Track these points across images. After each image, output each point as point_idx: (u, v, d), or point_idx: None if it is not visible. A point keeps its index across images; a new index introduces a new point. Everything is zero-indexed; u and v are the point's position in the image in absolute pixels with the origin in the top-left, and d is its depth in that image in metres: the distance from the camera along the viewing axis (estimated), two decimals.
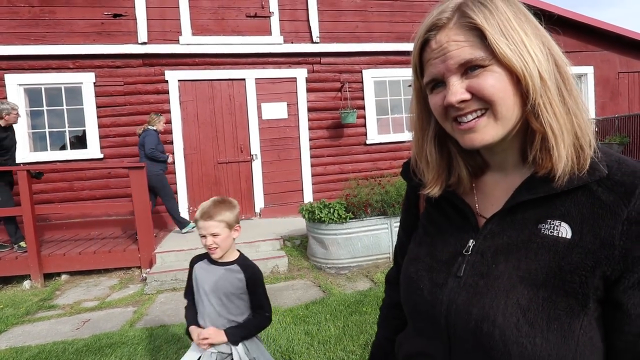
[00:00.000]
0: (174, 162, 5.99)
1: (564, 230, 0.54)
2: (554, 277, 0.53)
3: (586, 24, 7.42)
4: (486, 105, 0.55)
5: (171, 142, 5.99)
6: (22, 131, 5.54)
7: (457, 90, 0.55)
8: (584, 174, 0.54)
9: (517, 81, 0.54)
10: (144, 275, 4.40)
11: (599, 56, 7.72)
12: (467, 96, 0.55)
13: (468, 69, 0.55)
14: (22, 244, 4.56)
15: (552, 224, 0.55)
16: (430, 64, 0.58)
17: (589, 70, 7.66)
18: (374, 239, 4.21)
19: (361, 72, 6.65)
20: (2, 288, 4.39)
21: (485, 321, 0.55)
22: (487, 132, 0.56)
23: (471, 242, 0.62)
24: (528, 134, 0.57)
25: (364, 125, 6.71)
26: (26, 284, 4.38)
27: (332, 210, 4.18)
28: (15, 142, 4.65)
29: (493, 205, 0.63)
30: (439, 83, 0.58)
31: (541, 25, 0.58)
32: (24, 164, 5.31)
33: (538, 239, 0.56)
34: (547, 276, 0.53)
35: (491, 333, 0.54)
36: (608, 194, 0.53)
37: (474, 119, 0.56)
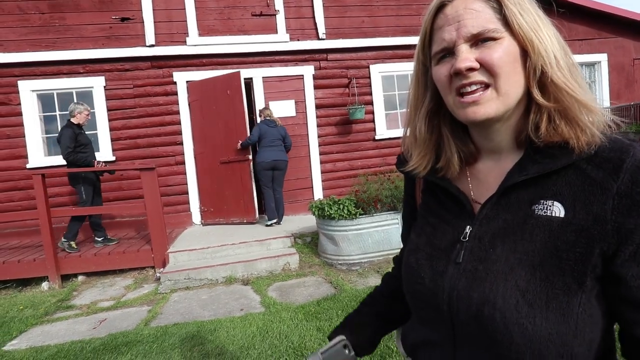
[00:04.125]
0: (184, 163, 6.06)
1: (557, 210, 0.55)
2: (551, 256, 0.54)
3: (599, 10, 7.24)
4: (491, 79, 0.56)
5: (181, 143, 6.05)
6: (36, 136, 5.66)
7: (467, 57, 0.55)
8: (576, 151, 0.55)
9: (525, 58, 0.55)
10: (158, 274, 4.46)
11: (613, 43, 7.51)
12: (476, 65, 0.55)
13: (480, 40, 0.55)
14: (73, 244, 4.78)
15: (545, 204, 0.56)
16: (443, 30, 0.58)
17: (602, 57, 7.47)
18: (384, 235, 4.20)
19: (368, 67, 6.61)
20: (21, 290, 4.50)
21: (485, 305, 0.55)
22: (490, 105, 0.56)
23: (468, 229, 0.62)
24: (532, 114, 0.58)
25: (373, 121, 6.68)
26: (44, 285, 4.48)
27: (341, 206, 4.17)
28: (90, 141, 4.90)
29: (487, 191, 0.63)
30: (447, 54, 0.58)
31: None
32: (39, 168, 5.43)
33: (532, 219, 0.56)
34: (544, 256, 0.54)
35: (492, 316, 0.54)
36: (597, 170, 0.54)
37: (477, 89, 0.56)
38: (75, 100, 5.40)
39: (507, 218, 0.59)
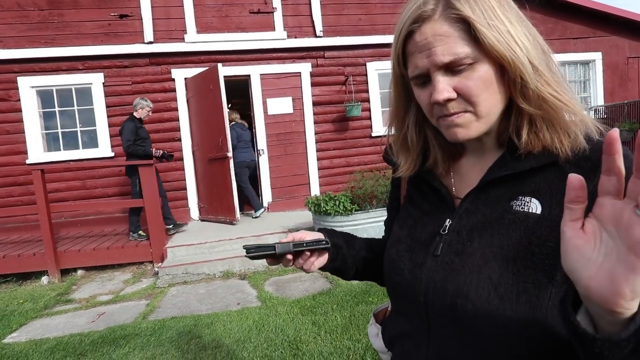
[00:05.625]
0: (182, 159, 6.10)
1: (534, 206, 0.56)
2: (524, 251, 0.54)
3: (594, 9, 7.27)
4: (469, 106, 0.56)
5: (179, 139, 6.09)
6: (35, 132, 5.70)
7: (444, 88, 0.55)
8: (560, 156, 0.55)
9: (503, 73, 0.54)
10: (156, 269, 4.52)
11: (608, 41, 7.56)
12: (454, 95, 0.55)
13: (454, 67, 0.54)
14: (142, 232, 5.00)
15: (523, 200, 0.57)
16: (415, 57, 0.57)
17: (597, 56, 7.52)
18: (379, 230, 4.23)
19: (365, 65, 6.65)
20: (21, 284, 4.55)
21: (459, 296, 0.57)
22: (471, 127, 0.57)
23: (448, 222, 0.63)
24: (513, 118, 0.58)
25: (369, 118, 6.73)
26: (44, 279, 4.53)
27: (337, 202, 4.23)
28: (148, 135, 5.05)
29: (469, 187, 0.64)
30: (424, 79, 0.58)
31: (524, 10, 0.57)
32: (39, 163, 5.47)
33: (510, 215, 0.57)
34: (517, 251, 0.55)
35: (464, 307, 0.56)
36: (575, 169, 0.54)
37: (458, 112, 0.57)
38: (75, 96, 5.46)
39: (485, 212, 0.60)
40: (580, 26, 7.39)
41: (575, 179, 0.38)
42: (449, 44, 0.53)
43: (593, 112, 7.38)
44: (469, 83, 0.54)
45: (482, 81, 0.54)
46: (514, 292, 0.53)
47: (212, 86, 5.43)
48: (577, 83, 7.66)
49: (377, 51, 6.65)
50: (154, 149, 5.03)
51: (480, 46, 0.52)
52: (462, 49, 0.53)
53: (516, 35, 0.53)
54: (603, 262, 0.36)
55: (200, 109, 5.79)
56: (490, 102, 0.56)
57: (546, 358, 0.54)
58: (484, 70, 0.54)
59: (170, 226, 5.24)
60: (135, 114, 4.97)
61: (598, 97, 7.57)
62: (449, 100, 0.55)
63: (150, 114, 5.14)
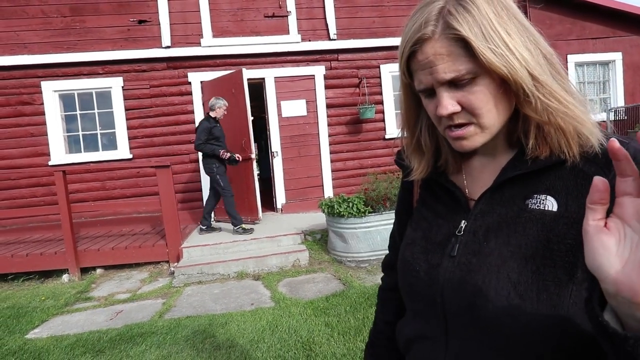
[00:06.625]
0: (197, 160, 6.20)
1: (550, 204, 0.56)
2: (542, 249, 0.55)
3: (613, 8, 7.11)
4: (472, 119, 0.58)
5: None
6: (58, 135, 5.88)
7: (448, 102, 0.57)
8: (568, 160, 0.56)
9: (507, 85, 0.55)
10: (172, 269, 4.60)
11: (628, 41, 7.37)
12: (458, 108, 0.57)
13: (456, 82, 0.56)
14: (245, 226, 5.07)
15: (539, 198, 0.57)
16: (419, 74, 0.59)
17: (617, 56, 7.34)
18: None
19: (379, 67, 6.65)
20: (43, 281, 4.69)
21: (478, 296, 0.57)
22: (476, 139, 0.59)
23: (463, 223, 0.64)
24: (520, 123, 0.59)
25: (383, 120, 6.72)
26: (65, 277, 4.66)
27: (351, 204, 4.23)
28: (223, 135, 5.15)
29: (482, 188, 0.65)
30: (430, 92, 0.60)
31: (526, 15, 0.59)
32: (61, 165, 5.64)
33: (526, 213, 0.58)
34: (536, 249, 0.55)
35: (484, 307, 0.56)
36: (590, 165, 0.55)
37: (462, 124, 0.59)
38: (96, 99, 5.60)
39: (501, 212, 0.60)
40: (599, 26, 7.23)
41: (600, 182, 0.38)
42: (450, 62, 0.55)
43: (613, 113, 7.21)
44: (471, 97, 0.56)
45: (484, 95, 0.56)
46: (534, 291, 0.53)
47: (235, 90, 5.55)
48: (596, 84, 7.49)
49: (391, 53, 6.64)
50: (222, 151, 5.03)
51: (481, 63, 0.54)
52: (462, 65, 0.54)
53: (514, 48, 0.53)
54: (630, 255, 0.37)
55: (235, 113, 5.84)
56: (494, 113, 0.57)
57: (567, 356, 0.54)
58: (486, 84, 0.55)
59: (204, 227, 5.27)
60: (211, 113, 5.04)
61: (618, 98, 7.38)
62: (454, 113, 0.58)
63: (225, 112, 5.19)
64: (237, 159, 5.20)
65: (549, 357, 0.54)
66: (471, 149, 0.60)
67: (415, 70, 0.59)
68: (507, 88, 0.56)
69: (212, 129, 4.96)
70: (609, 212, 0.40)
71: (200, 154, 5.44)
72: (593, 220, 0.39)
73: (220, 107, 5.06)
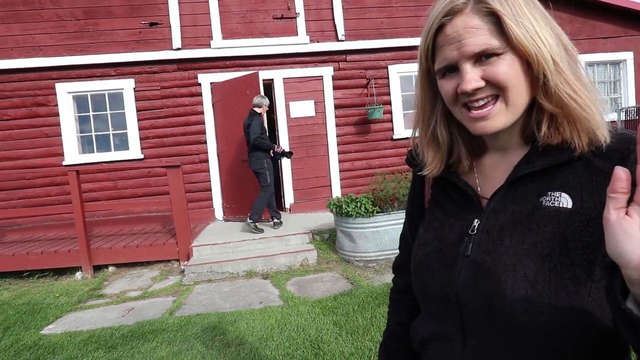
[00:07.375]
0: (207, 161, 6.28)
1: (565, 201, 0.56)
2: (559, 247, 0.54)
3: (623, 7, 7.01)
4: (498, 91, 0.56)
5: (205, 142, 6.27)
6: (72, 135, 6.00)
7: (472, 77, 0.56)
8: (577, 150, 0.56)
9: (528, 67, 0.55)
10: (182, 267, 4.66)
11: None
12: (482, 84, 0.56)
13: (482, 56, 0.55)
14: (259, 225, 5.15)
15: (553, 195, 0.57)
16: (444, 49, 0.58)
17: (628, 56, 7.24)
18: (400, 232, 4.25)
19: (387, 67, 6.66)
20: (57, 278, 4.78)
21: (495, 296, 0.56)
22: (499, 119, 0.58)
23: (476, 222, 0.63)
24: (534, 113, 0.59)
25: (391, 121, 6.72)
26: (78, 275, 4.75)
27: (359, 204, 4.25)
28: (266, 130, 5.27)
29: (494, 186, 0.64)
30: (451, 69, 0.59)
31: (548, 11, 0.59)
32: (74, 165, 5.76)
33: (540, 211, 0.57)
34: (552, 247, 0.54)
35: (501, 307, 0.55)
36: (605, 161, 0.55)
37: (485, 104, 0.57)
38: (108, 101, 5.68)
39: (514, 210, 0.59)
40: (609, 25, 7.14)
41: (622, 172, 0.38)
42: (480, 36, 0.55)
43: (624, 113, 7.11)
44: (499, 70, 0.55)
45: (511, 68, 0.55)
46: (552, 290, 0.53)
47: (250, 91, 5.64)
48: (606, 84, 7.40)
49: (399, 54, 6.65)
50: (275, 146, 5.14)
51: (508, 40, 0.54)
52: (492, 39, 0.55)
53: (541, 32, 0.54)
54: None
55: (233, 113, 5.93)
56: (519, 90, 0.56)
57: (586, 353, 0.54)
58: (513, 60, 0.55)
59: (276, 221, 5.31)
60: (257, 110, 5.12)
61: (629, 98, 7.29)
62: (477, 89, 0.57)
63: (267, 109, 5.30)
64: (291, 152, 5.36)
65: (568, 355, 0.54)
66: (492, 131, 0.59)
67: (441, 46, 0.59)
68: (529, 71, 0.56)
69: (262, 123, 5.07)
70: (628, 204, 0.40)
71: (248, 149, 5.28)
72: (614, 209, 0.39)
73: (266, 105, 5.18)
